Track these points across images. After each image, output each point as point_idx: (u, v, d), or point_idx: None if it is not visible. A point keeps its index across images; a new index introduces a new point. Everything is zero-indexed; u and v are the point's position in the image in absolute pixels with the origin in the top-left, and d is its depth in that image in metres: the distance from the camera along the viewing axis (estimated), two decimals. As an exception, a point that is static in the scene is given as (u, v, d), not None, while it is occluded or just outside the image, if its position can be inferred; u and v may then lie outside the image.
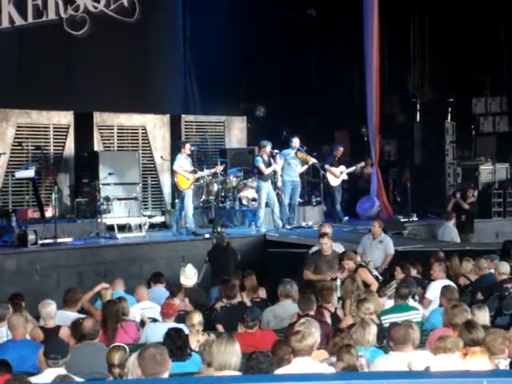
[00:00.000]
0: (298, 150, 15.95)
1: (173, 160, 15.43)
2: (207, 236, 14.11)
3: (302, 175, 16.45)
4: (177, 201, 15.48)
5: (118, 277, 10.76)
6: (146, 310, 9.54)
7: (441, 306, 8.87)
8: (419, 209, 17.72)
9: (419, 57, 21.41)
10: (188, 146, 15.04)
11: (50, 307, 8.24)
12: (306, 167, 16.27)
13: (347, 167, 16.97)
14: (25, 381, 5.61)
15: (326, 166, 16.64)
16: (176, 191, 15.04)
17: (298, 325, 6.55)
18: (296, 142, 15.93)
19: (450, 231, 15.67)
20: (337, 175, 16.72)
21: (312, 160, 16.12)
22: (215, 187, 16.12)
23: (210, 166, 16.24)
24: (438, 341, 6.44)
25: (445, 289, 8.89)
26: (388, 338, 6.84)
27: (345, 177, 16.94)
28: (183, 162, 14.81)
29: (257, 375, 5.75)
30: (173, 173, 14.90)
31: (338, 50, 21.34)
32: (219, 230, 13.96)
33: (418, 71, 21.53)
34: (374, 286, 10.21)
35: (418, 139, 19.08)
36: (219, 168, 15.56)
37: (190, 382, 4.83)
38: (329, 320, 8.74)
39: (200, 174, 15.06)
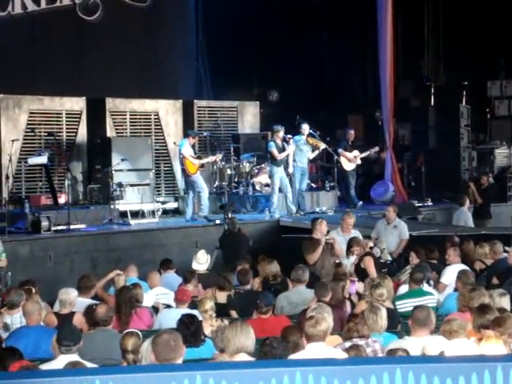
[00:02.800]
0: (310, 134, 15.86)
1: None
2: (218, 222, 14.09)
3: (314, 161, 16.35)
4: (184, 187, 15.47)
5: (131, 263, 10.73)
6: (159, 296, 9.54)
7: (456, 290, 8.82)
8: (434, 193, 17.63)
9: (433, 40, 21.24)
10: (195, 136, 15.14)
11: (65, 295, 8.26)
12: (316, 153, 16.19)
13: (361, 152, 16.89)
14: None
15: (340, 151, 16.56)
16: (184, 177, 15.00)
17: (311, 310, 6.53)
18: (305, 127, 15.85)
19: (464, 215, 15.56)
20: (350, 160, 16.63)
21: (323, 145, 16.04)
22: (228, 173, 16.09)
23: (223, 151, 16.21)
24: (444, 324, 6.44)
25: (461, 273, 8.85)
26: (410, 319, 6.80)
27: (358, 161, 16.86)
28: (188, 148, 14.81)
29: (271, 361, 5.72)
30: (181, 158, 14.85)
31: (352, 33, 21.18)
32: (230, 215, 13.92)
33: (432, 55, 21.37)
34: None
35: (433, 123, 18.98)
36: (218, 157, 15.53)
37: (203, 368, 4.79)
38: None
39: (203, 160, 15.04)
